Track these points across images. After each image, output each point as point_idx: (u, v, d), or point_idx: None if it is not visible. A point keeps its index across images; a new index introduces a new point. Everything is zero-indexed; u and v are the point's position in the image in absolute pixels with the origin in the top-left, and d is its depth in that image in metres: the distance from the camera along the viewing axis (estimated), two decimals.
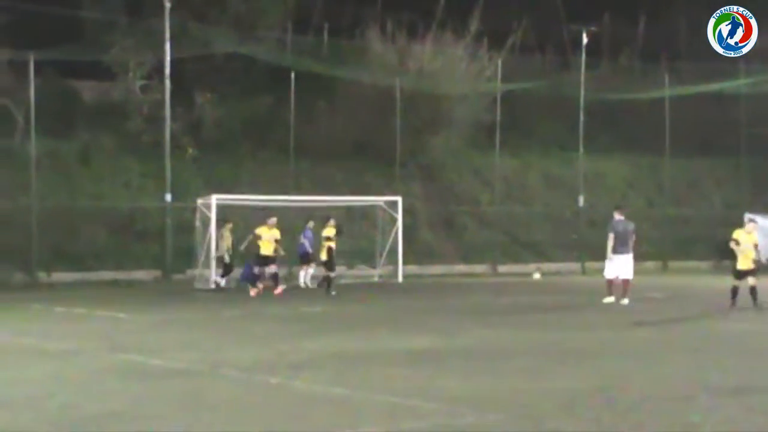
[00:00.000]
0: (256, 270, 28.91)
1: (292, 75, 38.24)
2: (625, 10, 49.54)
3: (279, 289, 28.40)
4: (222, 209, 31.53)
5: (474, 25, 42.15)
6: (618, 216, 26.01)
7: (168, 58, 34.36)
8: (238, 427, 10.11)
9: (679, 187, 47.21)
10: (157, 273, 33.92)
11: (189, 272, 32.81)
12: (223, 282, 30.74)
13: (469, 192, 43.19)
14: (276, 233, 28.78)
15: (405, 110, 39.71)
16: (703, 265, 43.75)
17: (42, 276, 32.19)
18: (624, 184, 47.50)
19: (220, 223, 31.03)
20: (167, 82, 34.48)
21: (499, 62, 41.95)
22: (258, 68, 40.59)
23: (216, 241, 30.77)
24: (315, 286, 31.06)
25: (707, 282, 34.83)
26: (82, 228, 34.38)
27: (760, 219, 45.18)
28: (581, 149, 42.46)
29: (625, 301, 24.67)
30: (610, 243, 25.28)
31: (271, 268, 28.63)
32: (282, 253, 29.41)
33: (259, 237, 28.59)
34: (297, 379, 12.79)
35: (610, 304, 24.57)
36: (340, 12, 44.73)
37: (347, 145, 40.22)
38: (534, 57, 47.75)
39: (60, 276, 32.28)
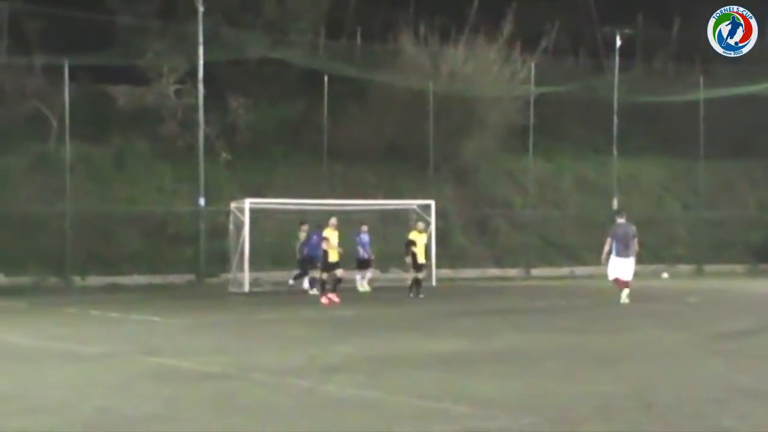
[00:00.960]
0: (324, 276, 27.20)
1: (325, 79, 38.32)
2: (659, 12, 49.29)
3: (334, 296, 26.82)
4: (299, 212, 31.94)
5: (507, 29, 42.11)
6: (620, 220, 26.31)
7: (201, 63, 34.54)
8: (270, 429, 10.12)
9: (714, 189, 46.90)
10: (190, 277, 34.09)
11: (223, 276, 32.95)
12: (305, 284, 30.73)
13: (502, 195, 43.11)
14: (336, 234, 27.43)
15: (438, 113, 39.70)
16: (739, 268, 43.44)
17: (76, 280, 32.45)
18: (658, 187, 47.24)
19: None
20: (200, 87, 34.66)
21: (532, 65, 41.88)
22: (291, 72, 40.73)
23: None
24: (369, 288, 30.70)
25: (743, 286, 34.58)
26: (116, 232, 34.61)
27: None
28: (615, 152, 42.35)
29: (626, 300, 25.10)
30: (607, 247, 25.63)
31: (338, 273, 27.38)
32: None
33: (327, 239, 27.05)
34: (329, 382, 12.79)
35: (626, 304, 24.84)
36: (372, 15, 44.77)
37: (380, 148, 40.25)
38: (567, 60, 47.61)
39: (94, 280, 32.52)
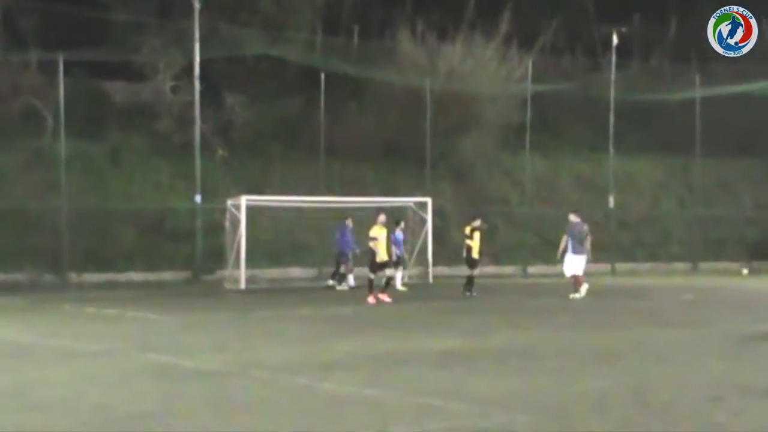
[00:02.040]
0: (371, 276, 25.87)
1: (322, 76, 38.28)
2: (656, 10, 49.31)
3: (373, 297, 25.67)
4: (342, 209, 32.76)
5: (504, 27, 42.08)
6: (573, 218, 27.16)
7: (197, 59, 34.50)
8: (268, 427, 10.13)
9: (710, 187, 46.96)
10: (187, 274, 34.06)
11: (219, 273, 32.95)
12: (351, 282, 31.27)
13: (499, 193, 43.11)
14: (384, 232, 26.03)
15: (435, 111, 39.67)
16: (734, 266, 43.50)
17: (72, 277, 32.39)
18: (654, 185, 47.27)
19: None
20: (197, 83, 34.63)
21: (530, 63, 41.89)
22: (288, 69, 40.68)
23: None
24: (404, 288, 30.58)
25: (738, 283, 34.62)
26: (112, 229, 34.55)
27: None
28: (611, 150, 42.37)
29: (576, 295, 26.24)
30: (563, 244, 26.80)
31: (387, 272, 26.38)
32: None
33: (375, 239, 25.62)
34: (327, 380, 12.80)
35: (576, 299, 26.16)
36: (369, 13, 44.76)
37: (377, 146, 40.22)
38: (564, 58, 47.63)
39: (90, 277, 32.47)
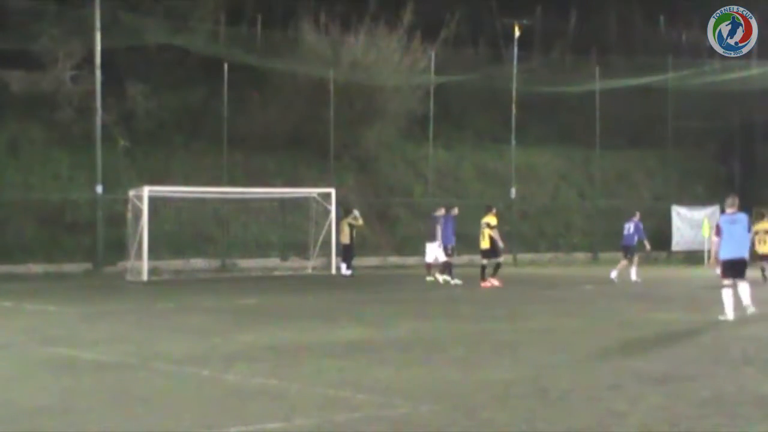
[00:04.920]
0: (485, 262, 28.22)
1: (225, 66, 38.03)
2: (557, 4, 49.94)
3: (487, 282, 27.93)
4: (342, 202, 34.81)
5: (407, 18, 42.23)
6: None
7: (98, 48, 34.03)
8: (170, 420, 10.06)
9: (610, 179, 47.79)
10: (88, 265, 33.62)
11: (120, 264, 32.58)
12: (349, 271, 32.25)
13: (402, 184, 43.32)
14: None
15: (339, 102, 39.71)
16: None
17: None
18: (556, 176, 47.93)
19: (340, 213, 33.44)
20: (98, 73, 34.15)
21: (432, 54, 42.14)
22: (191, 59, 40.35)
23: (338, 231, 33.02)
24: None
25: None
26: (10, 220, 33.95)
27: (685, 210, 46.30)
28: (513, 141, 42.84)
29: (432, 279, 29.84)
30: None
31: (500, 260, 28.54)
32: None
33: (493, 227, 28.03)
34: (230, 371, 12.76)
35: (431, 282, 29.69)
36: (273, 3, 44.54)
37: (281, 136, 40.10)
38: (467, 50, 47.96)
39: None
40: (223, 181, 36.25)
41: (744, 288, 19.09)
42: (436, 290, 27.72)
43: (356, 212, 33.56)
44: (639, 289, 27.88)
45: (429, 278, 30.25)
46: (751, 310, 19.08)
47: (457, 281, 29.02)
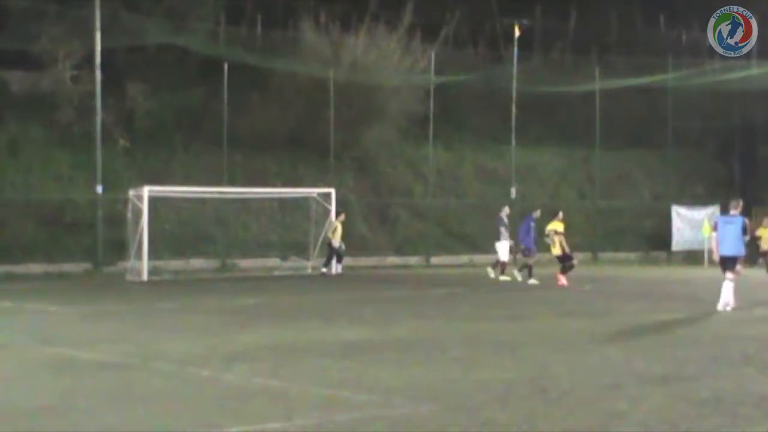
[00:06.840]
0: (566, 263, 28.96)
1: (225, 66, 38.01)
2: (557, 4, 49.92)
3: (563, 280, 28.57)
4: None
5: (407, 18, 42.21)
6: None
7: (98, 48, 34.00)
8: (170, 420, 10.07)
9: (610, 179, 47.74)
10: (88, 265, 33.58)
11: (120, 264, 32.56)
12: (339, 268, 32.94)
13: (402, 184, 43.29)
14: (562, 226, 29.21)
15: (339, 102, 39.67)
16: (633, 256, 44.36)
17: None
18: (555, 176, 47.90)
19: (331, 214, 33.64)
20: (98, 73, 34.14)
21: (432, 55, 42.11)
22: (191, 59, 40.30)
23: (327, 231, 33.39)
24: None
25: (636, 273, 35.27)
26: (10, 220, 33.90)
27: (685, 210, 46.31)
28: (513, 141, 42.82)
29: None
30: None
31: (574, 262, 29.22)
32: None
33: (560, 234, 28.87)
34: (230, 371, 12.76)
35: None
36: (273, 3, 44.51)
37: (281, 136, 40.09)
38: (467, 50, 47.93)
39: None
40: (223, 181, 36.21)
41: (727, 285, 20.68)
42: (509, 290, 27.61)
43: (342, 215, 34.05)
44: (639, 290, 27.88)
45: (503, 277, 30.72)
46: (728, 307, 20.62)
47: (534, 281, 29.45)
